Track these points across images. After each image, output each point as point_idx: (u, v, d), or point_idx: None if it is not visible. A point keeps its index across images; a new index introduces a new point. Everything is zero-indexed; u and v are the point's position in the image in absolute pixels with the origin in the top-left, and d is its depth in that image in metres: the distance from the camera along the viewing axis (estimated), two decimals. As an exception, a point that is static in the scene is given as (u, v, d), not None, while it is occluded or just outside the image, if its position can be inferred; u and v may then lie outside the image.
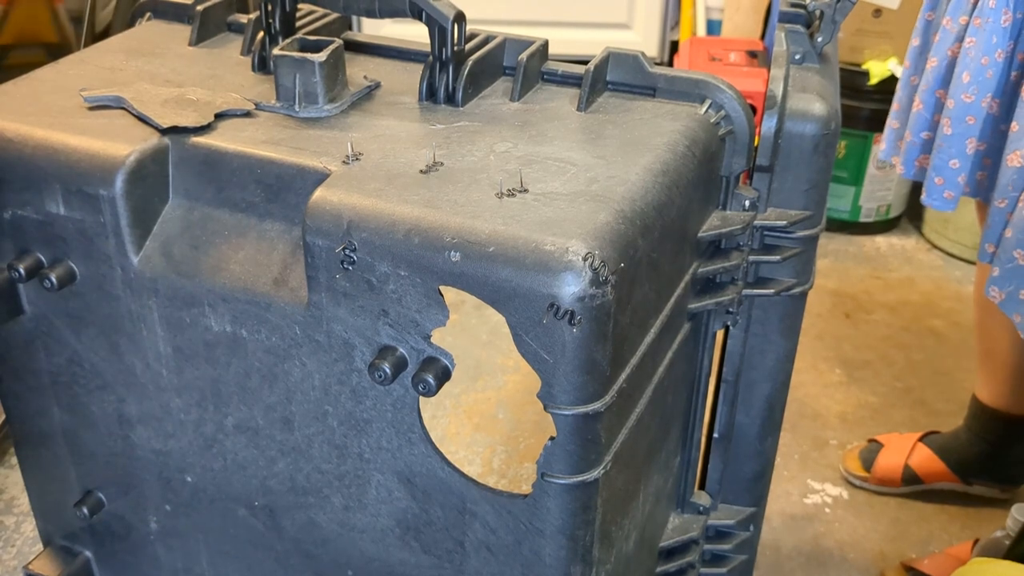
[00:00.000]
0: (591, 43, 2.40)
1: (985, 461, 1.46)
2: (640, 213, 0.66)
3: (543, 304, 0.60)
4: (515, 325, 0.62)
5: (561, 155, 0.71)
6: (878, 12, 2.01)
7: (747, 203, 0.82)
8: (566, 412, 0.64)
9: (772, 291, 0.86)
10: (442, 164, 0.69)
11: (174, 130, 0.73)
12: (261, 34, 0.84)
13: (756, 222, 0.82)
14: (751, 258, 0.84)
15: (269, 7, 0.82)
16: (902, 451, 1.47)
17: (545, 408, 0.64)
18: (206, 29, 0.91)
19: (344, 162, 0.69)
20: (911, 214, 2.24)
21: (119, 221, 0.72)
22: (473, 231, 0.62)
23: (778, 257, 0.84)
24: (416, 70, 0.85)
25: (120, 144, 0.72)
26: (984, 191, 1.19)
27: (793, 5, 0.93)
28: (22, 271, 0.76)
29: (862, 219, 2.17)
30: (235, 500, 0.82)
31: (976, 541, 1.30)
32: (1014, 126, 1.09)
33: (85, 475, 0.88)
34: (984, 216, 1.17)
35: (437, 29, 0.77)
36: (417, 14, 0.77)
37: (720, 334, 0.91)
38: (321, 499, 0.77)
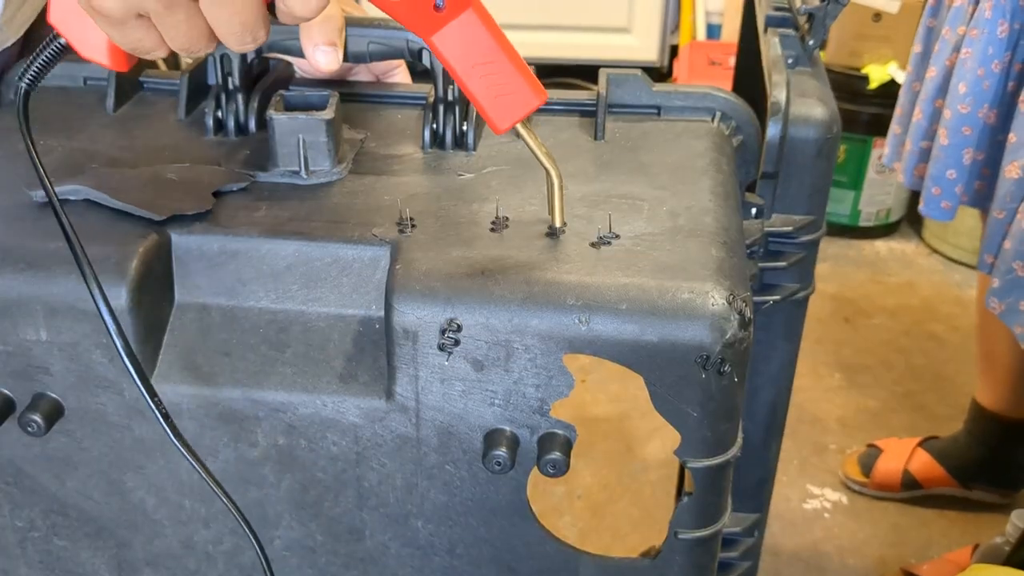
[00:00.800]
0: (591, 47, 2.32)
1: (984, 465, 1.45)
2: (736, 242, 0.63)
3: (689, 356, 0.56)
4: (654, 382, 0.57)
5: (620, 191, 0.66)
6: (878, 16, 1.99)
7: (754, 211, 0.81)
8: (708, 464, 0.60)
9: (778, 297, 0.86)
10: (508, 218, 0.63)
11: (174, 220, 0.62)
12: (214, 92, 0.73)
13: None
14: (759, 265, 0.83)
15: (222, 61, 0.71)
16: (901, 456, 1.46)
17: (684, 465, 0.60)
18: (122, 92, 0.78)
19: (400, 230, 0.61)
20: (911, 218, 2.22)
21: (126, 338, 0.60)
22: (596, 289, 0.56)
23: (784, 263, 0.84)
24: (389, 114, 0.77)
25: (114, 246, 0.59)
26: (983, 201, 1.18)
27: (776, 8, 0.93)
28: (-11, 416, 0.61)
29: (862, 223, 2.15)
30: (280, 630, 0.71)
31: (976, 546, 1.32)
32: (1012, 137, 1.09)
33: (66, 640, 0.73)
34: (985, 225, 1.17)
35: (443, 68, 0.70)
36: (416, 55, 0.70)
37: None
38: (396, 609, 0.68)
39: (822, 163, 0.80)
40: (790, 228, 0.82)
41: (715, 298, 0.56)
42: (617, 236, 0.61)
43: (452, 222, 0.62)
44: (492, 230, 0.62)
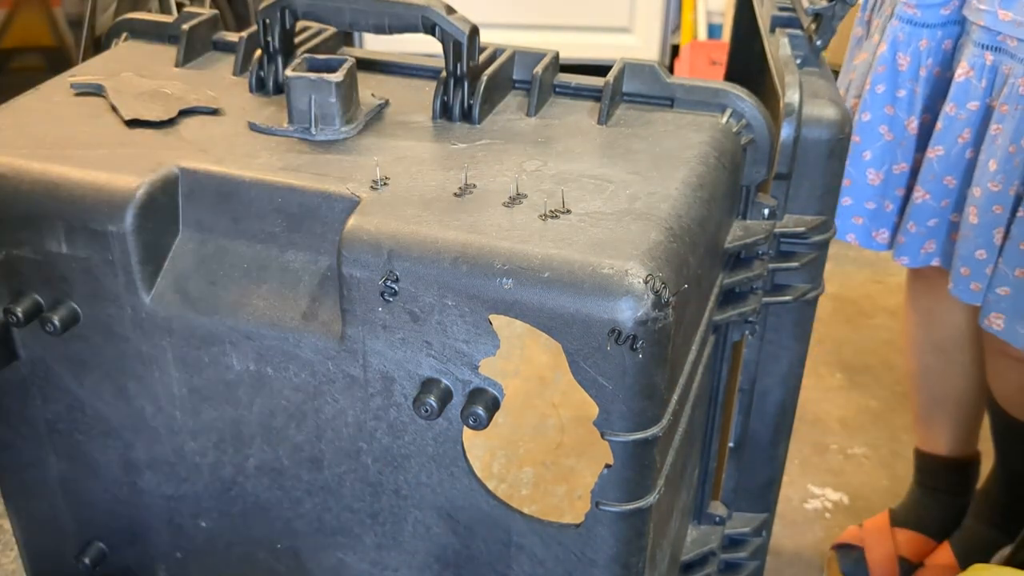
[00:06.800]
0: (592, 47, 2.39)
1: (957, 517, 1.34)
2: (687, 230, 0.64)
3: (603, 330, 0.58)
4: (572, 352, 0.60)
5: (594, 172, 0.69)
6: None
7: (766, 212, 0.81)
8: (624, 439, 0.62)
9: (790, 298, 0.85)
10: (475, 186, 0.67)
11: (136, 123, 0.72)
12: (258, 53, 0.80)
13: (775, 230, 0.82)
14: (770, 266, 0.83)
15: (267, 24, 0.78)
16: (885, 544, 1.33)
17: (602, 436, 0.62)
18: (192, 49, 0.86)
19: (372, 187, 0.66)
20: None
21: (129, 258, 0.68)
22: (525, 256, 0.59)
23: (796, 264, 0.84)
24: (420, 86, 0.82)
25: (127, 176, 0.68)
26: None
27: (782, 8, 0.93)
28: (19, 315, 0.71)
29: (863, 223, 2.13)
30: (255, 544, 0.78)
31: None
32: (992, 164, 1.04)
33: (85, 525, 0.83)
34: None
35: (452, 44, 0.74)
36: (430, 29, 0.75)
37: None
38: (352, 538, 0.74)
39: (834, 163, 0.80)
40: (802, 229, 0.82)
41: (633, 277, 0.58)
42: (568, 212, 0.64)
43: (422, 185, 0.67)
44: (456, 195, 0.66)
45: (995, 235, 1.04)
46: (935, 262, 1.15)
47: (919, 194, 1.11)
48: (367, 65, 0.85)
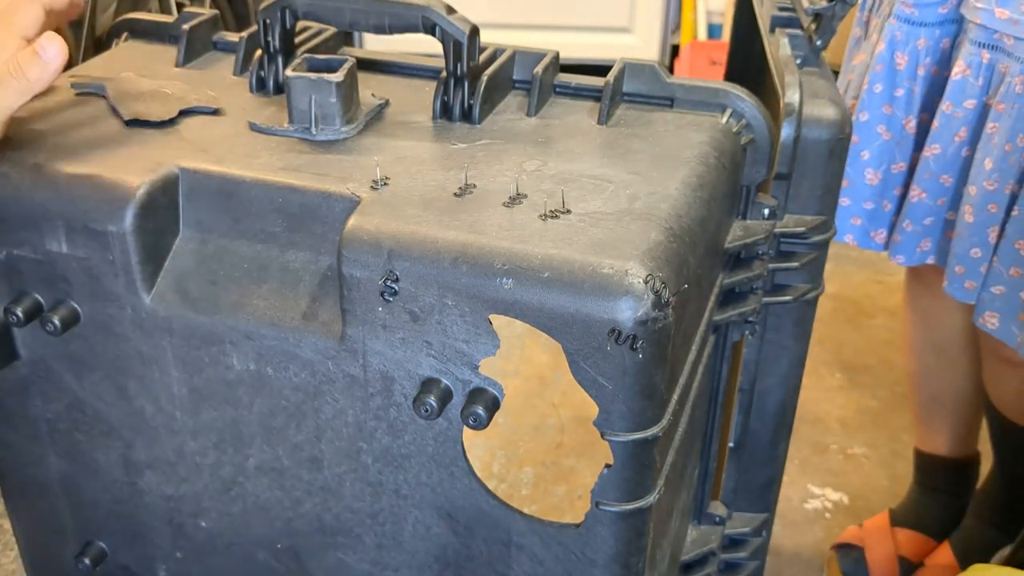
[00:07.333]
0: (592, 47, 2.40)
1: (957, 517, 1.35)
2: (687, 230, 0.64)
3: (603, 330, 0.58)
4: (572, 352, 0.60)
5: (594, 172, 0.69)
6: None
7: (766, 212, 0.81)
8: (624, 439, 0.62)
9: (790, 298, 0.85)
10: (475, 186, 0.67)
11: (136, 123, 0.72)
12: (258, 53, 0.80)
13: (775, 230, 0.82)
14: (770, 266, 0.83)
15: (267, 24, 0.78)
16: (885, 544, 1.33)
17: (602, 436, 0.62)
18: (192, 49, 0.86)
19: (373, 187, 0.66)
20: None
21: (129, 258, 0.68)
22: (525, 256, 0.59)
23: (796, 264, 0.84)
24: (420, 86, 0.82)
25: (127, 175, 0.68)
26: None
27: (782, 8, 0.93)
28: (20, 315, 0.71)
29: (863, 223, 2.13)
30: (255, 544, 0.78)
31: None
32: (988, 163, 1.04)
33: (85, 525, 0.83)
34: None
35: (452, 44, 0.74)
36: (430, 29, 0.75)
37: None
38: (352, 539, 0.74)
39: (834, 163, 0.80)
40: (802, 229, 0.82)
41: (633, 276, 0.58)
42: (568, 212, 0.64)
43: (422, 185, 0.67)
44: (456, 195, 0.66)
45: (990, 233, 1.05)
46: (930, 260, 1.15)
47: (915, 192, 1.11)
48: (367, 65, 0.85)
